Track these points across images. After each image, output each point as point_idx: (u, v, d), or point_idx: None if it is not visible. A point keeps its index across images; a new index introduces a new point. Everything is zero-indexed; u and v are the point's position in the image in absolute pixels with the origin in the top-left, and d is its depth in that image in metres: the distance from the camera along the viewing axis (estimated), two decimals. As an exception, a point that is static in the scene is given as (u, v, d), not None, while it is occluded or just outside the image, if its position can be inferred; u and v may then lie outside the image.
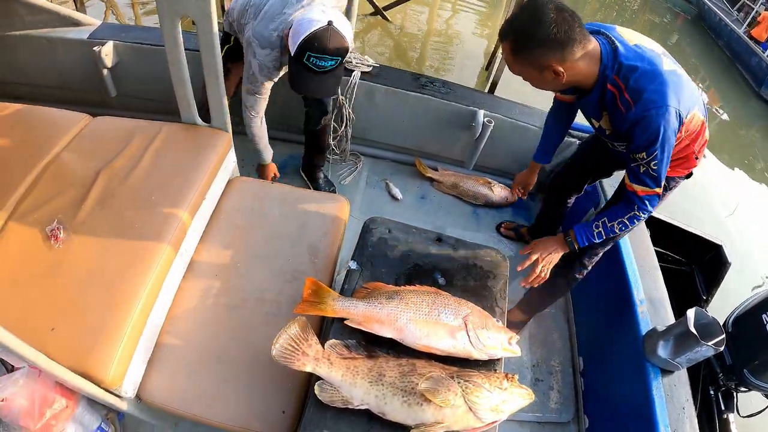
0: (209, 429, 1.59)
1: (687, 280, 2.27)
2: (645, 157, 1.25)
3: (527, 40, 1.18)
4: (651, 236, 2.05)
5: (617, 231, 1.45)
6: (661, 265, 1.97)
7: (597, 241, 1.49)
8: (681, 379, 1.62)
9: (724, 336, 1.54)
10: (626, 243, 1.88)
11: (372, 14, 6.72)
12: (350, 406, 1.08)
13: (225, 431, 1.29)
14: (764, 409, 1.89)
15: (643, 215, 1.40)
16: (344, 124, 2.57)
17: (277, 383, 1.30)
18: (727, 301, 1.99)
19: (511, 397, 1.14)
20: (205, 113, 1.75)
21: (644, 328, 1.66)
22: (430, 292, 1.28)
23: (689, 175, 1.65)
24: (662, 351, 1.58)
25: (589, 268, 1.80)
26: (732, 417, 1.92)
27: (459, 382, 1.11)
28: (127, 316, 1.24)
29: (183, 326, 1.39)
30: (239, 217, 1.65)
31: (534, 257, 1.53)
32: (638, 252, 1.86)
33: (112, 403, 1.24)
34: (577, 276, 1.82)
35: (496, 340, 1.22)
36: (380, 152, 2.86)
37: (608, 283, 1.92)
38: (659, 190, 1.34)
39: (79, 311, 1.24)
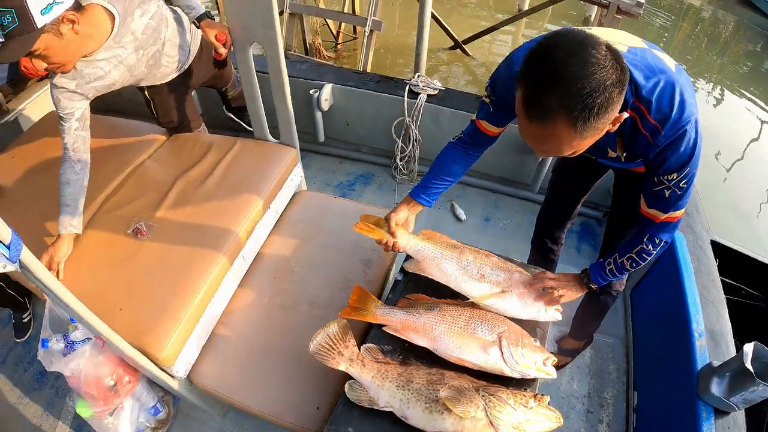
0: (254, 421, 1.70)
1: (764, 317, 2.06)
2: (675, 177, 1.03)
3: (597, 96, 0.77)
4: (725, 268, 1.90)
5: (629, 268, 1.23)
6: (734, 300, 1.82)
7: (612, 279, 1.30)
8: (737, 422, 1.47)
9: (786, 376, 1.40)
10: (689, 272, 1.76)
11: (451, 48, 6.54)
12: (375, 407, 1.13)
13: (263, 420, 1.38)
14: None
15: (656, 249, 1.17)
16: (411, 145, 2.64)
17: (315, 381, 1.37)
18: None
19: (536, 417, 1.11)
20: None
21: (701, 363, 1.54)
22: (469, 307, 1.30)
23: None
24: (716, 389, 1.45)
25: (620, 289, 1.72)
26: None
27: (483, 395, 1.11)
28: (186, 304, 1.39)
29: (237, 320, 1.51)
30: (301, 227, 1.75)
31: (551, 285, 1.33)
32: (702, 282, 1.73)
33: (165, 380, 1.37)
34: (610, 302, 1.76)
35: (530, 358, 1.21)
36: None
37: (668, 314, 1.80)
38: (682, 213, 1.11)
39: (145, 296, 1.41)
